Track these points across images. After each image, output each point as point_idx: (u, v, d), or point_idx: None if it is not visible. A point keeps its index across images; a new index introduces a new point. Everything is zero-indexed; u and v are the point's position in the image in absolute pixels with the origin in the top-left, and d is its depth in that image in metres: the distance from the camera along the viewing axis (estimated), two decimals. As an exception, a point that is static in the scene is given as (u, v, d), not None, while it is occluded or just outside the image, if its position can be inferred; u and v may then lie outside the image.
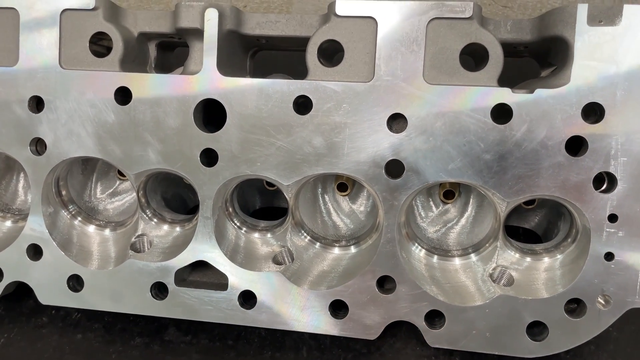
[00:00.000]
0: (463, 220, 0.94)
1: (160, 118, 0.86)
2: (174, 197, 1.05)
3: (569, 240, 0.85)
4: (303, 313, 0.87)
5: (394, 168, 0.83)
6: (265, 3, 1.33)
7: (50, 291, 0.93)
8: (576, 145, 0.79)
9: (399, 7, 0.80)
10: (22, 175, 1.05)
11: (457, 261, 0.89)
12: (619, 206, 0.78)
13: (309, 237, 0.93)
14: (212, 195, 0.87)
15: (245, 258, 0.90)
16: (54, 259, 0.92)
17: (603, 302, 0.80)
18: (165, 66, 1.00)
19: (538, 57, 0.93)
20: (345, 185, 0.96)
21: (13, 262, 0.93)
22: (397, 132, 0.81)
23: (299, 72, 0.85)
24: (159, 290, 0.91)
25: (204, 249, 0.88)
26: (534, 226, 1.02)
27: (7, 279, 0.94)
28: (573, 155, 0.78)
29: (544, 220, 1.00)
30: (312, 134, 0.83)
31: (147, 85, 0.86)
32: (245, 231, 0.94)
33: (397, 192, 0.83)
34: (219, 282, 0.90)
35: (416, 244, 0.90)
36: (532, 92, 0.78)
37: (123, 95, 0.87)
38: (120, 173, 1.02)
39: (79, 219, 0.98)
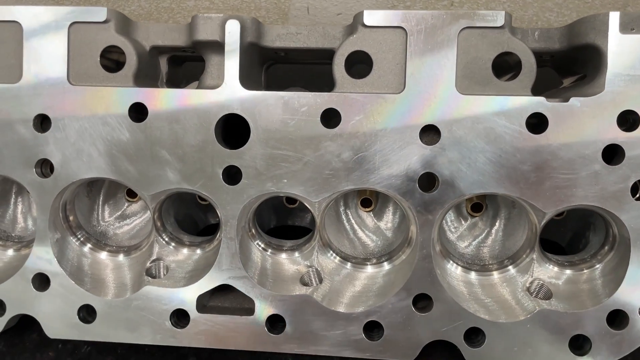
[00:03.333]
0: (493, 233, 0.92)
1: (179, 135, 0.82)
2: (185, 219, 1.00)
3: (607, 248, 0.84)
4: (335, 336, 0.83)
5: (428, 181, 0.80)
6: (260, 18, 1.30)
7: (59, 324, 0.86)
8: (612, 154, 0.78)
9: (429, 17, 0.78)
10: (19, 199, 0.98)
11: (495, 275, 0.86)
12: (658, 214, 0.77)
13: (338, 258, 0.90)
14: (236, 214, 0.83)
15: (272, 280, 0.85)
16: (63, 288, 0.86)
17: (644, 312, 0.79)
18: (175, 81, 0.96)
19: (560, 67, 0.92)
20: (369, 200, 0.93)
21: (17, 294, 0.86)
22: (430, 144, 0.79)
23: (316, 85, 0.82)
24: (179, 318, 0.85)
25: (228, 272, 0.83)
26: (558, 238, 1.00)
27: (10, 312, 0.87)
28: (609, 164, 0.77)
29: (567, 231, 0.99)
30: (341, 147, 0.80)
31: (164, 100, 0.82)
32: (271, 252, 0.90)
33: (432, 206, 0.80)
34: (243, 306, 0.85)
35: (451, 261, 0.87)
36: (566, 100, 0.77)
37: (138, 112, 0.83)
38: (129, 194, 0.96)
39: (89, 245, 0.92)
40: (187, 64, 0.99)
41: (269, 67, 0.98)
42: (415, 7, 1.25)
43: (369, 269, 0.88)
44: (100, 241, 0.93)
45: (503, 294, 0.84)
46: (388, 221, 0.94)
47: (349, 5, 1.28)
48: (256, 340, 0.84)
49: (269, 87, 0.98)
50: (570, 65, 0.88)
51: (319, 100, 0.80)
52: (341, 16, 1.29)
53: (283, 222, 1.07)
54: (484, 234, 0.92)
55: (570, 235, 0.98)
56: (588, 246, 0.89)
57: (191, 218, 1.02)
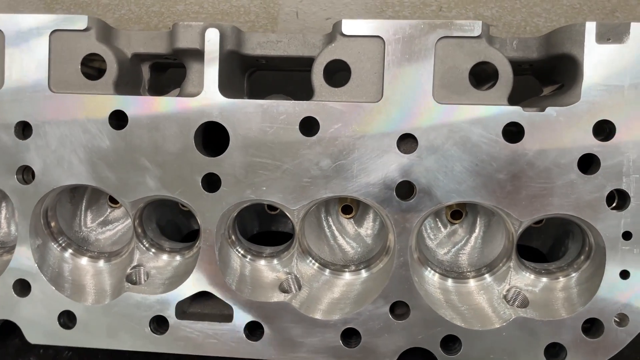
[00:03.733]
0: (472, 240, 0.92)
1: (159, 142, 0.82)
2: (168, 225, 1.01)
3: (583, 257, 0.85)
4: (313, 343, 0.83)
5: (405, 189, 0.81)
6: (249, 22, 1.31)
7: (40, 329, 0.87)
8: (588, 163, 0.78)
9: (406, 26, 0.79)
10: (3, 204, 0.98)
11: (472, 282, 0.87)
12: (632, 223, 0.77)
13: (317, 264, 0.90)
14: (214, 222, 0.83)
15: (251, 287, 0.86)
16: (44, 294, 0.86)
17: (619, 321, 0.79)
18: (158, 88, 0.96)
19: (540, 75, 0.93)
20: (350, 207, 0.93)
21: (-2, 299, 0.87)
22: (408, 153, 0.80)
23: (298, 92, 0.83)
24: (158, 324, 0.86)
25: (207, 279, 0.84)
26: (539, 245, 1.01)
27: (-9, 318, 0.88)
28: (585, 173, 0.77)
29: (549, 239, 0.99)
30: (319, 156, 0.80)
31: (144, 108, 0.82)
32: (250, 259, 0.90)
33: (409, 214, 0.81)
34: (222, 313, 0.86)
35: (429, 268, 0.88)
36: (542, 110, 0.77)
37: (118, 119, 0.83)
38: (112, 200, 0.97)
39: (70, 250, 0.92)
40: (171, 70, 1.00)
41: (251, 74, 0.98)
42: (404, 12, 1.25)
43: (347, 276, 0.89)
44: (81, 247, 0.94)
45: (479, 302, 0.84)
46: (368, 228, 0.95)
47: (338, 10, 1.28)
48: (235, 347, 0.84)
49: (252, 93, 0.99)
50: (550, 75, 0.88)
51: (297, 109, 0.80)
52: (330, 21, 1.29)
53: (267, 227, 1.08)
54: (463, 242, 0.92)
55: (551, 242, 0.99)
56: (567, 254, 0.90)
57: (174, 224, 1.03)
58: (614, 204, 0.79)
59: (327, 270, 0.90)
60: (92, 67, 0.89)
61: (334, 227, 0.95)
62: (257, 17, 1.30)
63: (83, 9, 1.33)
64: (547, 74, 0.89)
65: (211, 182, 0.83)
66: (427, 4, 1.25)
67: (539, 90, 0.96)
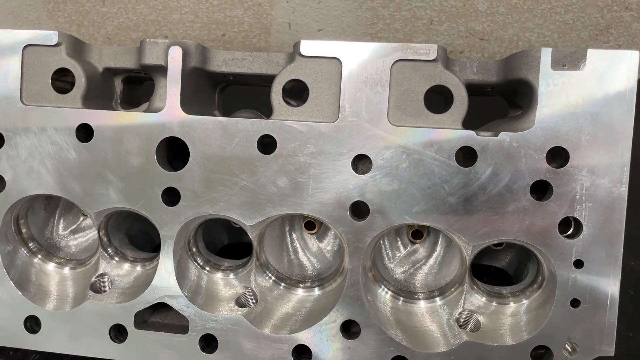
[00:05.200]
0: (431, 261, 0.92)
1: (122, 156, 0.84)
2: (140, 234, 1.03)
3: (535, 286, 0.84)
4: (265, 358, 0.84)
5: (359, 209, 0.81)
6: (243, 32, 1.33)
7: (7, 332, 0.90)
8: (542, 189, 0.78)
9: (363, 48, 0.79)
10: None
11: (422, 304, 0.87)
12: (584, 252, 0.77)
13: (273, 278, 0.91)
14: (173, 235, 0.85)
15: (206, 299, 0.87)
16: (11, 298, 0.89)
17: (570, 350, 0.78)
18: (133, 100, 0.99)
19: (506, 97, 0.92)
20: (313, 223, 0.94)
21: (-32, 302, 0.90)
22: (363, 173, 0.80)
23: (270, 107, 0.84)
24: (119, 332, 0.88)
25: (164, 290, 0.86)
26: (505, 265, 1.00)
27: (-39, 320, 0.91)
28: (538, 200, 0.77)
29: (514, 260, 0.99)
30: (276, 174, 0.82)
31: (109, 122, 0.85)
32: (208, 271, 0.92)
33: (362, 234, 0.81)
34: (180, 324, 0.88)
35: (382, 286, 0.88)
36: (496, 135, 0.77)
37: (85, 132, 0.86)
38: (84, 209, 1.00)
39: (39, 256, 0.96)
40: (147, 84, 1.02)
41: (223, 89, 1.00)
42: (395, 25, 1.26)
43: (300, 292, 0.90)
44: (50, 253, 0.97)
45: (429, 324, 0.84)
46: (329, 244, 0.95)
47: (330, 22, 1.29)
48: (190, 359, 0.86)
49: (224, 108, 1.01)
50: (513, 98, 0.88)
51: (256, 127, 0.82)
52: (322, 32, 1.31)
53: (239, 239, 1.09)
54: (422, 261, 0.92)
55: (516, 264, 0.98)
56: (526, 278, 0.89)
57: (146, 233, 1.05)
58: (567, 232, 0.78)
59: (282, 285, 0.91)
60: (66, 81, 0.92)
61: (296, 242, 0.96)
62: (251, 28, 1.32)
63: (84, 17, 1.37)
64: (511, 97, 0.89)
65: (171, 196, 0.85)
66: (418, 17, 1.25)
67: (507, 112, 0.96)
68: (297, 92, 0.87)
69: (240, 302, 0.88)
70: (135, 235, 1.01)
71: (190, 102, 0.86)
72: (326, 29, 1.31)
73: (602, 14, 1.20)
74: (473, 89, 0.82)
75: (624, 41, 1.22)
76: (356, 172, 0.80)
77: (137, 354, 0.87)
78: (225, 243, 1.08)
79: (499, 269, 1.01)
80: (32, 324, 0.90)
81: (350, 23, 1.29)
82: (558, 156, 0.77)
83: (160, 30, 1.36)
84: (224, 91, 1.01)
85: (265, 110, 0.88)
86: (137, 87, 1.01)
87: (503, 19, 1.24)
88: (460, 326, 0.83)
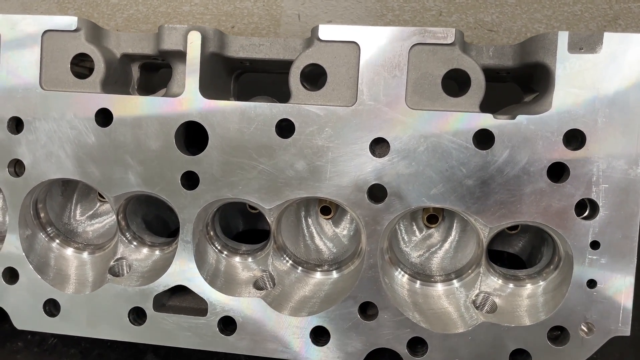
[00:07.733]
0: (447, 245, 0.93)
1: (141, 140, 0.85)
2: (156, 220, 1.04)
3: (552, 267, 0.85)
4: (284, 339, 0.85)
5: (377, 192, 0.82)
6: (253, 24, 1.33)
7: (26, 316, 0.91)
8: (558, 172, 0.79)
9: (381, 33, 0.80)
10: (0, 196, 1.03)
11: (439, 287, 0.88)
12: (601, 233, 0.77)
13: (290, 262, 0.92)
14: (192, 218, 0.86)
15: (225, 283, 0.88)
16: (30, 282, 0.90)
17: (586, 330, 0.79)
18: (148, 87, 1.00)
19: (520, 83, 0.93)
20: (328, 208, 0.95)
21: (-11, 286, 0.91)
22: (380, 157, 0.81)
23: (284, 94, 0.85)
24: (137, 315, 0.89)
25: (183, 273, 0.87)
26: (518, 251, 1.01)
27: (-18, 304, 0.92)
28: (555, 182, 0.78)
29: (528, 245, 1.00)
30: (294, 157, 0.82)
31: (129, 107, 0.86)
32: (226, 255, 0.93)
33: (380, 216, 0.82)
34: (199, 307, 0.88)
35: (399, 269, 0.89)
36: (513, 118, 0.78)
37: (104, 117, 0.86)
38: (101, 194, 1.00)
39: (57, 241, 0.96)
40: (162, 71, 1.03)
41: (238, 76, 1.01)
42: (404, 16, 1.26)
43: (319, 275, 0.91)
44: (68, 238, 0.98)
45: (446, 306, 0.85)
46: (345, 229, 0.96)
47: (339, 13, 1.30)
48: (209, 341, 0.86)
49: (240, 95, 1.02)
50: (528, 83, 0.88)
51: (274, 111, 0.83)
52: (332, 24, 1.32)
53: (252, 226, 1.10)
54: (437, 245, 0.93)
55: (530, 249, 0.99)
56: (541, 261, 0.90)
57: (162, 219, 1.06)
58: (584, 214, 0.79)
59: (300, 268, 0.92)
60: (84, 67, 0.93)
61: (312, 227, 0.97)
62: (260, 19, 1.33)
63: (93, 9, 1.38)
64: (526, 82, 0.89)
65: (190, 180, 0.86)
66: (427, 8, 1.26)
67: (521, 98, 0.97)
68: (313, 78, 0.88)
69: (258, 285, 0.89)
70: (152, 221, 1.02)
71: (208, 88, 0.86)
72: (335, 20, 1.32)
73: (610, 4, 1.21)
74: (488, 75, 0.83)
75: (632, 32, 1.22)
76: (374, 155, 0.81)
77: (156, 336, 0.88)
78: (241, 229, 1.09)
79: (512, 255, 1.02)
80: (51, 308, 0.91)
81: (360, 14, 1.29)
82: (574, 139, 0.78)
83: (170, 22, 1.37)
84: (239, 78, 1.01)
85: (279, 98, 0.89)
86: (154, 74, 1.02)
87: (512, 10, 1.24)
88: (477, 308, 0.84)
